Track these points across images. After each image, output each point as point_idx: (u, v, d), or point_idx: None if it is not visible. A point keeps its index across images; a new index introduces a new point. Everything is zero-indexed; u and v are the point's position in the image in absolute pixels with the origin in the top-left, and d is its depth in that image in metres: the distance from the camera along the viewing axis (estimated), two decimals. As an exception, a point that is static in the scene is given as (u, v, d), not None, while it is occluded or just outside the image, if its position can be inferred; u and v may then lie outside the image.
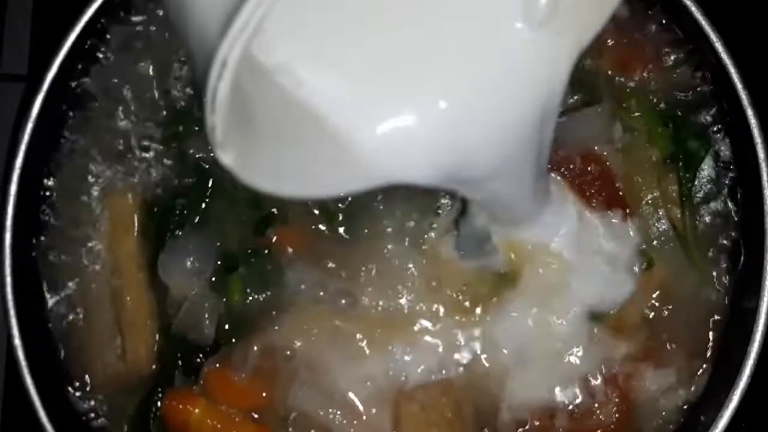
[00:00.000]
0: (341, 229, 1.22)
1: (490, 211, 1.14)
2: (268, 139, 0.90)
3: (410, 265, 1.20)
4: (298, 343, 1.18)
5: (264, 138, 0.90)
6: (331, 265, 1.20)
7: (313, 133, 0.87)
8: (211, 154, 1.19)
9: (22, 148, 1.19)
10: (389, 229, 1.21)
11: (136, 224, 1.22)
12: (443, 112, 0.87)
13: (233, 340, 1.19)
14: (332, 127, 0.86)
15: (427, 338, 1.20)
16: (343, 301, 1.19)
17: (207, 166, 1.23)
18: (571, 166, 1.21)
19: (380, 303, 1.20)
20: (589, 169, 1.21)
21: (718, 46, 1.21)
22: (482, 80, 0.88)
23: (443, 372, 1.19)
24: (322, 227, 1.22)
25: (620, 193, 1.22)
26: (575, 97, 1.23)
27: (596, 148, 1.22)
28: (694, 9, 1.21)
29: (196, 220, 1.22)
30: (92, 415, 1.22)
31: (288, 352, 1.18)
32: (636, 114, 1.24)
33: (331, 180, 0.91)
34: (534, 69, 0.90)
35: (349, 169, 0.89)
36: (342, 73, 0.87)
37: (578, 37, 0.92)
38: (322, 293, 1.20)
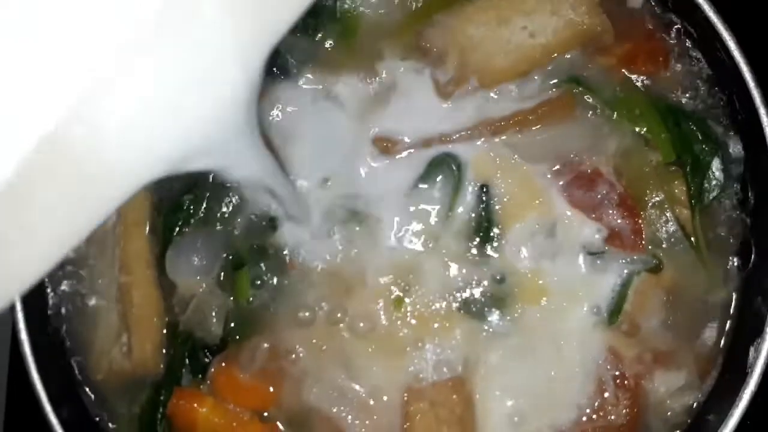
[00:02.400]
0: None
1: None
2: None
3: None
4: (308, 344, 1.18)
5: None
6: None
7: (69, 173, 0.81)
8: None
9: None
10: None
11: (147, 221, 1.21)
12: (145, 113, 0.84)
13: (241, 339, 1.19)
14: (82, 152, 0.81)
15: (439, 339, 1.19)
16: (362, 325, 1.19)
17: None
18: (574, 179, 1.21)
19: (395, 317, 1.20)
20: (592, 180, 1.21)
21: (731, 44, 1.19)
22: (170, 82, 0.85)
23: (454, 370, 1.19)
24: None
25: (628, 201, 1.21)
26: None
27: (594, 158, 1.22)
28: (706, 6, 1.20)
29: (203, 217, 1.21)
30: (98, 412, 1.22)
31: (297, 353, 1.18)
32: (639, 117, 1.22)
33: (94, 210, 0.86)
34: (217, 70, 0.88)
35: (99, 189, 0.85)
36: None
37: (258, 38, 0.90)
38: (340, 314, 1.19)
